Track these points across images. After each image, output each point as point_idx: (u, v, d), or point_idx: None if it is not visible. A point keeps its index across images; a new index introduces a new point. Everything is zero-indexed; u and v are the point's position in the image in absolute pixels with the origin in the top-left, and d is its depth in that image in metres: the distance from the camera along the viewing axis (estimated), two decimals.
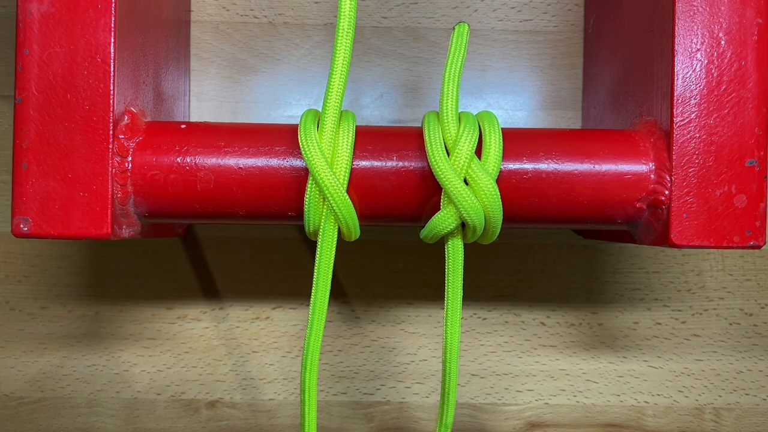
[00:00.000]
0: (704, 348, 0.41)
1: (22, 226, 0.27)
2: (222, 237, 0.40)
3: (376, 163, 0.29)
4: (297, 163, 0.29)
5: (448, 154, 0.28)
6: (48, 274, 0.40)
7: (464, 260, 0.29)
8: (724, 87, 0.28)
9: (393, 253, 0.40)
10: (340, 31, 0.28)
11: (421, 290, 0.41)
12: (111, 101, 0.28)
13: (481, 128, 0.29)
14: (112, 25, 0.28)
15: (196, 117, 0.40)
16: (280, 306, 0.40)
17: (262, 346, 0.40)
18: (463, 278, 0.30)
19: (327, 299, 0.29)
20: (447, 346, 0.30)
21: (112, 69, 0.28)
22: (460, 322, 0.30)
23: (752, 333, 0.41)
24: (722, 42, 0.28)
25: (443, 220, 0.28)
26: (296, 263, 0.40)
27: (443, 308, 0.31)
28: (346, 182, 0.28)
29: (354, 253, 0.40)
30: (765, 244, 0.30)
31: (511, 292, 0.41)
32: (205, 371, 0.40)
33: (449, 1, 0.40)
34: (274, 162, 0.29)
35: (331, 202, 0.28)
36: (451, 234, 0.29)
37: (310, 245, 0.40)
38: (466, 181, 0.28)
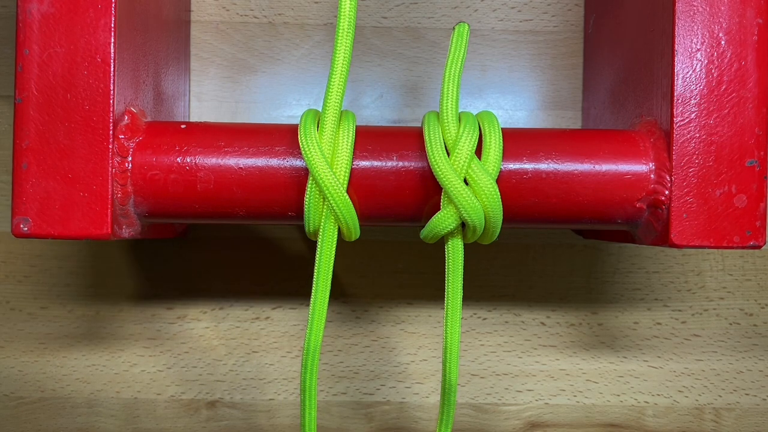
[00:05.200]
0: (704, 348, 0.41)
1: (22, 226, 0.27)
2: (222, 237, 0.40)
3: (376, 163, 0.29)
4: (297, 163, 0.29)
5: (448, 154, 0.28)
6: (48, 274, 0.40)
7: (464, 260, 0.29)
8: (724, 87, 0.28)
9: (393, 253, 0.40)
10: (340, 31, 0.28)
11: (421, 290, 0.41)
12: (111, 101, 0.28)
13: (481, 128, 0.29)
14: (112, 25, 0.28)
15: (196, 117, 0.40)
16: (280, 306, 0.40)
17: (262, 346, 0.40)
18: (463, 278, 0.30)
19: (327, 299, 0.29)
20: (447, 346, 0.30)
21: (112, 69, 0.28)
22: (460, 322, 0.30)
23: (752, 333, 0.41)
24: (722, 42, 0.28)
25: (443, 220, 0.28)
26: (296, 263, 0.40)
27: (443, 308, 0.31)
28: (346, 182, 0.28)
29: (354, 253, 0.40)
30: (765, 244, 0.30)
31: (511, 292, 0.41)
32: (205, 371, 0.40)
33: (449, 1, 0.40)
34: (274, 162, 0.29)
35: (331, 202, 0.28)
36: (451, 234, 0.29)
37: (310, 245, 0.40)
38: (466, 181, 0.28)
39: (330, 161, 0.28)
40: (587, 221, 0.30)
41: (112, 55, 0.28)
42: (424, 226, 0.29)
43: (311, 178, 0.28)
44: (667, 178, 0.28)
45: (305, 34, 0.40)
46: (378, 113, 0.40)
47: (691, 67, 0.28)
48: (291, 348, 0.40)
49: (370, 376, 0.41)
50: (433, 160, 0.28)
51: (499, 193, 0.28)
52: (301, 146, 0.28)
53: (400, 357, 0.41)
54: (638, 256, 0.41)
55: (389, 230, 0.40)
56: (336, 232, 0.29)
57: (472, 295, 0.40)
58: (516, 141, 0.29)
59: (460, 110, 0.30)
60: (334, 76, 0.28)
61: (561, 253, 0.41)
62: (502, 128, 0.29)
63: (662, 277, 0.41)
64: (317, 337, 0.29)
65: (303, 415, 0.30)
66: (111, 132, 0.28)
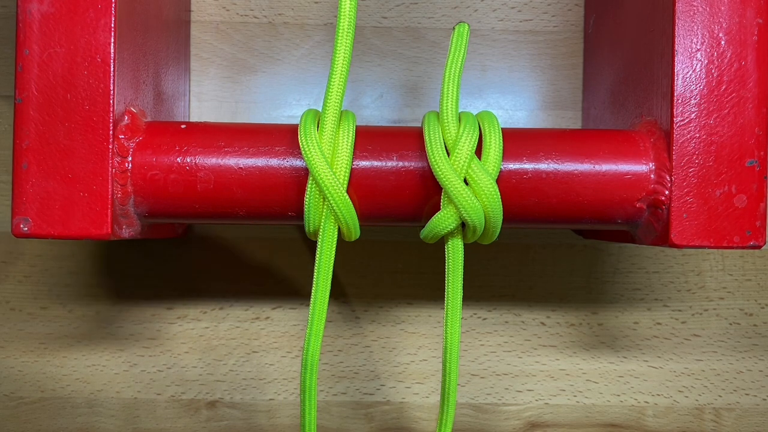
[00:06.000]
0: (704, 348, 0.41)
1: (22, 226, 0.27)
2: (222, 237, 0.40)
3: (376, 163, 0.29)
4: (297, 163, 0.29)
5: (448, 154, 0.28)
6: (48, 274, 0.40)
7: (464, 260, 0.29)
8: (724, 87, 0.28)
9: (393, 253, 0.40)
10: (340, 31, 0.28)
11: (421, 290, 0.41)
12: (111, 101, 0.28)
13: (481, 128, 0.29)
14: (112, 25, 0.28)
15: (196, 117, 0.40)
16: (280, 306, 0.40)
17: (262, 346, 0.40)
18: (463, 278, 0.30)
19: (327, 299, 0.29)
20: (447, 346, 0.30)
21: (112, 69, 0.28)
22: (460, 322, 0.30)
23: (752, 333, 0.41)
24: (722, 42, 0.28)
25: (443, 220, 0.28)
26: (296, 263, 0.40)
27: (443, 308, 0.31)
28: (346, 182, 0.28)
29: (354, 253, 0.40)
30: (765, 244, 0.30)
31: (511, 292, 0.41)
32: (205, 371, 0.40)
33: (449, 1, 0.40)
34: (274, 162, 0.29)
35: (331, 202, 0.28)
36: (451, 234, 0.29)
37: (310, 245, 0.40)
38: (466, 181, 0.28)
39: (330, 161, 0.28)
40: (587, 221, 0.30)
41: (112, 55, 0.28)
42: (424, 226, 0.29)
43: (311, 178, 0.28)
44: (667, 178, 0.28)
45: (305, 34, 0.40)
46: (378, 113, 0.40)
47: (691, 67, 0.28)
48: (291, 348, 0.40)
49: (370, 376, 0.41)
50: (433, 160, 0.28)
51: (499, 193, 0.28)
52: (301, 146, 0.28)
53: (400, 357, 0.41)
54: (638, 256, 0.41)
55: (389, 230, 0.40)
56: (336, 232, 0.29)
57: (472, 295, 0.40)
58: (516, 141, 0.29)
59: (460, 110, 0.30)
60: (334, 76, 0.28)
61: (561, 253, 0.41)
62: (502, 128, 0.29)
63: (662, 277, 0.41)
64: (317, 337, 0.29)
65: (303, 415, 0.30)
66: (111, 132, 0.28)
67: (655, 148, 0.29)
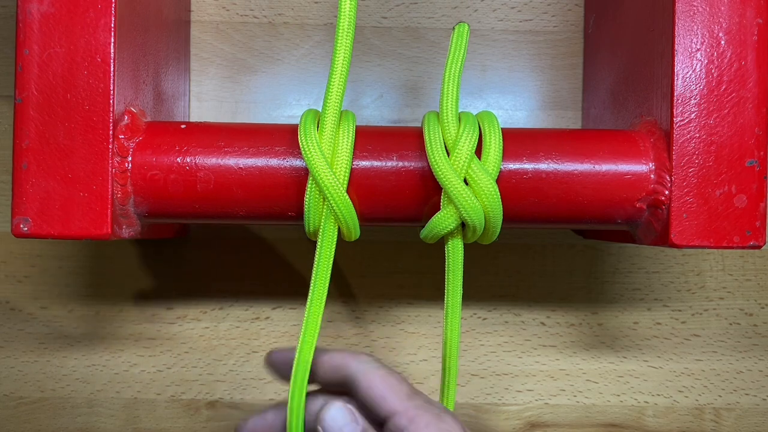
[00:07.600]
0: (704, 348, 0.41)
1: (22, 226, 0.27)
2: (222, 237, 0.40)
3: (376, 163, 0.29)
4: (297, 163, 0.29)
5: (448, 154, 0.28)
6: (48, 274, 0.40)
7: (464, 260, 0.29)
8: (724, 87, 0.28)
9: (393, 253, 0.40)
10: (340, 31, 0.28)
11: (421, 290, 0.41)
12: (111, 101, 0.28)
13: (481, 128, 0.29)
14: (112, 25, 0.28)
15: (196, 117, 0.40)
16: (280, 306, 0.40)
17: (262, 346, 0.40)
18: (463, 278, 0.30)
19: (324, 299, 0.29)
20: (447, 346, 0.30)
21: (112, 69, 0.28)
22: (460, 322, 0.30)
23: (752, 333, 0.41)
24: (722, 42, 0.28)
25: (443, 220, 0.28)
26: (296, 263, 0.40)
27: (443, 308, 0.31)
28: (346, 182, 0.28)
29: (354, 253, 0.40)
30: (765, 244, 0.30)
31: (511, 292, 0.41)
32: (205, 371, 0.40)
33: (449, 1, 0.40)
34: (274, 162, 0.29)
35: (331, 202, 0.28)
36: (451, 234, 0.29)
37: (310, 245, 0.40)
38: (466, 181, 0.28)
39: (330, 161, 0.28)
40: (587, 221, 0.30)
41: (112, 55, 0.28)
42: (424, 226, 0.29)
43: (311, 178, 0.28)
44: (667, 178, 0.28)
45: (305, 34, 0.40)
46: (378, 113, 0.40)
47: (691, 67, 0.28)
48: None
49: None
50: (433, 160, 0.28)
51: (499, 193, 0.28)
52: (301, 146, 0.28)
53: (400, 357, 0.41)
54: (638, 256, 0.41)
55: (389, 230, 0.40)
56: (336, 232, 0.29)
57: (472, 295, 0.40)
58: (516, 141, 0.29)
59: (460, 110, 0.30)
60: (334, 76, 0.28)
61: (561, 253, 0.41)
62: (502, 128, 0.29)
63: (662, 277, 0.41)
64: (312, 337, 0.29)
65: (290, 416, 0.29)
66: (111, 132, 0.28)
67: (655, 148, 0.29)
